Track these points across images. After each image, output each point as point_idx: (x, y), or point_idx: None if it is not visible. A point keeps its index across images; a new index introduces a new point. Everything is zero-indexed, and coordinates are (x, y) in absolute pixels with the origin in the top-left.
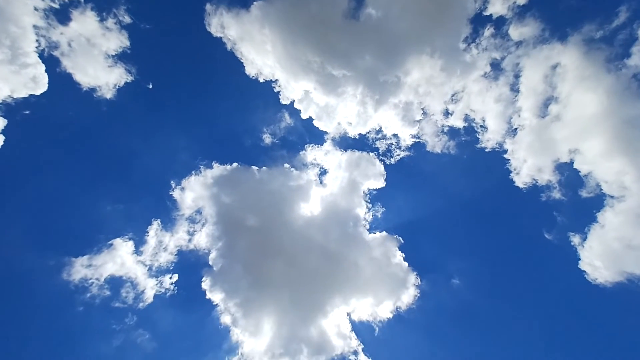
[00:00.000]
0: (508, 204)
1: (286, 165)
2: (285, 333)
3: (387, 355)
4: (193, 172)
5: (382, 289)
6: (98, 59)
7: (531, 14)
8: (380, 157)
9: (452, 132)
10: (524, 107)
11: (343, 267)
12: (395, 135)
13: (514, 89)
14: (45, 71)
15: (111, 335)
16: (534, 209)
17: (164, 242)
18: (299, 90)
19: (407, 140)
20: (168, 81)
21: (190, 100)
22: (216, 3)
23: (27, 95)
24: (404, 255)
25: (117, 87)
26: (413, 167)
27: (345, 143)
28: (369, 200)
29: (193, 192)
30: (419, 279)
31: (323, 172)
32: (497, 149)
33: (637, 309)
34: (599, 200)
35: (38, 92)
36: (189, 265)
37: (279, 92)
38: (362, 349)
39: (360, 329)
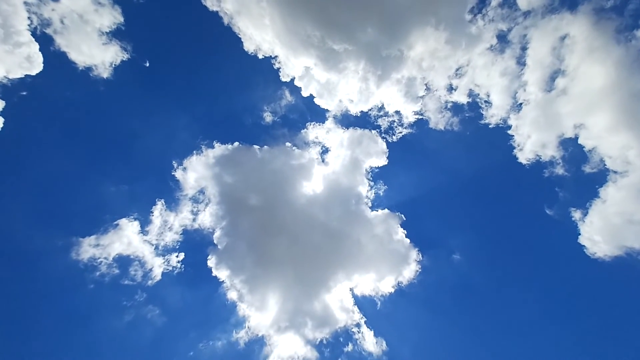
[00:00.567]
0: (510, 181)
1: (288, 144)
2: (290, 307)
3: (389, 328)
4: (194, 152)
5: (384, 264)
6: (92, 37)
7: None
8: (383, 135)
9: (456, 108)
10: (529, 80)
11: (346, 244)
12: (397, 112)
13: (520, 62)
14: (40, 50)
15: (123, 311)
16: (536, 185)
17: (169, 222)
18: (299, 66)
19: (409, 117)
20: (164, 59)
21: (188, 78)
22: None
23: (22, 76)
24: (405, 232)
25: (113, 65)
26: (415, 145)
27: (347, 121)
28: (371, 178)
29: (195, 172)
30: (420, 255)
31: (325, 151)
32: (501, 125)
33: (635, 282)
34: (602, 176)
35: (34, 72)
36: (195, 244)
37: (278, 68)
38: (365, 322)
39: (363, 303)
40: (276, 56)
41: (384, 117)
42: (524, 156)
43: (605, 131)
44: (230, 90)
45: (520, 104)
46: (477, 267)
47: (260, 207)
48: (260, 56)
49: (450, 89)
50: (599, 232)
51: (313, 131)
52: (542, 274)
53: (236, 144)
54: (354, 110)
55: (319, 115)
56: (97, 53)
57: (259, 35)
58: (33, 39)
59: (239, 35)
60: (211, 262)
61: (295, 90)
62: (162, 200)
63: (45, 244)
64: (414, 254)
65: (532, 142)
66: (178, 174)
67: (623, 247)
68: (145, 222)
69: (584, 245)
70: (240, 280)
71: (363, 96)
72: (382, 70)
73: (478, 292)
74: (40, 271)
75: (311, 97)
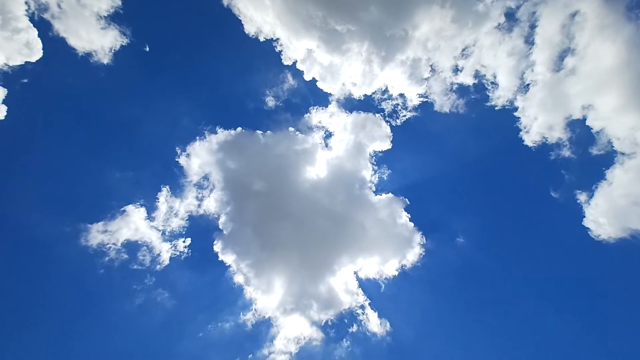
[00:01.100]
0: (515, 164)
1: (291, 128)
2: (296, 290)
3: (393, 310)
4: (197, 137)
5: (388, 248)
6: (90, 21)
7: None
8: (386, 119)
9: (461, 90)
10: (538, 60)
11: (350, 228)
12: (401, 95)
13: (529, 41)
14: (38, 36)
15: (133, 295)
16: (542, 168)
17: (175, 208)
18: (301, 49)
19: (413, 100)
20: (164, 43)
21: (188, 63)
22: None
23: (23, 63)
24: (409, 216)
25: (113, 50)
26: (420, 128)
27: (350, 104)
28: (374, 163)
29: (199, 158)
30: (424, 238)
31: (328, 135)
32: (507, 107)
33: (639, 264)
34: (609, 158)
35: (34, 59)
36: (200, 230)
37: (280, 51)
38: (369, 304)
39: (367, 285)
40: (277, 39)
41: (388, 101)
42: (530, 139)
43: (614, 112)
44: (232, 75)
45: (528, 84)
46: (481, 250)
47: (265, 193)
48: (261, 39)
49: (456, 70)
50: (604, 214)
51: (316, 115)
52: (546, 257)
53: (239, 129)
54: (358, 93)
55: (322, 99)
56: (96, 38)
57: (260, 16)
58: (31, 25)
59: (239, 17)
60: (217, 247)
61: (297, 73)
62: (167, 187)
63: (54, 231)
64: (418, 238)
65: (538, 124)
66: (182, 160)
67: (628, 229)
68: (151, 209)
69: (588, 228)
70: (246, 265)
71: (367, 79)
72: (386, 51)
73: (482, 274)
74: (51, 258)
75: (314, 80)
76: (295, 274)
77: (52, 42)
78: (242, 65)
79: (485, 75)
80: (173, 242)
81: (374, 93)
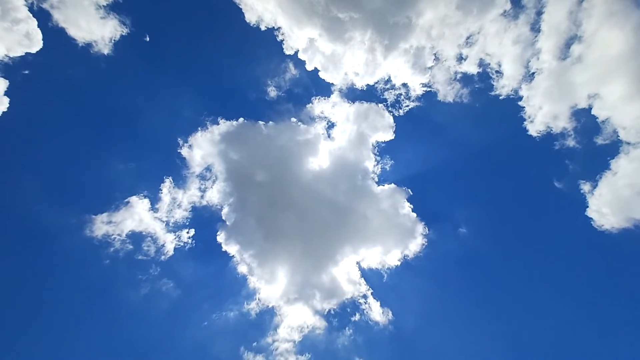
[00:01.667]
0: (519, 154)
1: (293, 119)
2: (299, 280)
3: (395, 299)
4: (199, 128)
5: (391, 238)
6: (89, 11)
7: None
8: (389, 109)
9: (465, 79)
10: (543, 48)
11: (352, 218)
12: (404, 84)
13: (535, 29)
14: (38, 26)
15: (138, 284)
16: (546, 158)
17: (178, 199)
18: (303, 38)
19: (417, 90)
20: (164, 33)
21: (189, 53)
22: None
23: (23, 54)
24: (412, 207)
25: (113, 41)
26: (423, 118)
27: (353, 94)
28: (377, 153)
29: (201, 149)
30: (426, 229)
31: (331, 126)
32: (512, 96)
33: None
34: (614, 147)
35: (34, 50)
36: (204, 221)
37: (282, 40)
38: (371, 293)
39: (370, 275)
40: (279, 27)
41: (391, 91)
42: (534, 128)
43: (620, 101)
44: (233, 65)
45: (533, 73)
46: (484, 241)
47: (267, 183)
48: (262, 27)
49: (460, 58)
50: (608, 204)
51: (318, 106)
52: (548, 247)
53: (241, 120)
54: (360, 83)
55: (324, 89)
56: (95, 28)
57: (261, 4)
58: (31, 15)
59: (240, 6)
60: (221, 237)
61: (299, 63)
62: (170, 178)
63: (59, 222)
64: (420, 228)
65: (543, 114)
66: (184, 151)
67: (631, 219)
68: (154, 200)
69: (591, 218)
70: (250, 255)
71: (369, 68)
72: (390, 39)
73: (484, 265)
74: (57, 249)
75: (316, 70)
76: (298, 263)
77: (52, 33)
78: (244, 55)
79: (489, 64)
80: (177, 233)
81: (376, 83)
